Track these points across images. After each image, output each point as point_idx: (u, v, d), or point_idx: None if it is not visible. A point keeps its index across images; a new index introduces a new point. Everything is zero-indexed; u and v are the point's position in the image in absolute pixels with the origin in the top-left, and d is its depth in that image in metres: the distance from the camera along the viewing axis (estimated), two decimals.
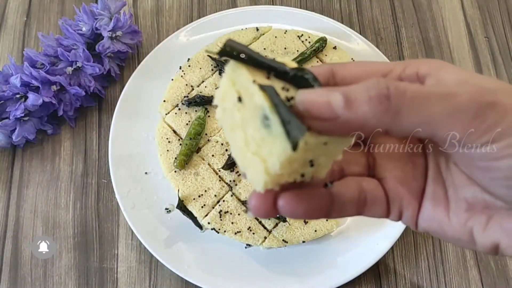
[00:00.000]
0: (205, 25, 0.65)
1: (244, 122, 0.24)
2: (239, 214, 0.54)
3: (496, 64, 0.68)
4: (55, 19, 0.70)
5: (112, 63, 0.63)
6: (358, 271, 0.53)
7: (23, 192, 0.59)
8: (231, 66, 0.24)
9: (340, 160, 0.25)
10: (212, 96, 0.59)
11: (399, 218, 0.28)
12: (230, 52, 0.24)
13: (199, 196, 0.55)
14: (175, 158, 0.56)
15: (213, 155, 0.57)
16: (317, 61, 0.62)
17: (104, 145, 0.62)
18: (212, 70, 0.61)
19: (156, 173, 0.58)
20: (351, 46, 0.64)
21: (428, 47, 0.69)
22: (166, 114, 0.59)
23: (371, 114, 0.22)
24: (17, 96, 0.58)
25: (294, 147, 0.21)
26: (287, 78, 0.24)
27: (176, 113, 0.59)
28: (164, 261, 0.53)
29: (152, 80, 0.62)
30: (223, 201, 0.55)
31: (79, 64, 0.60)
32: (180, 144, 0.57)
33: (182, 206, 0.54)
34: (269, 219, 0.54)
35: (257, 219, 0.54)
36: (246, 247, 0.54)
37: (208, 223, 0.53)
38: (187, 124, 0.58)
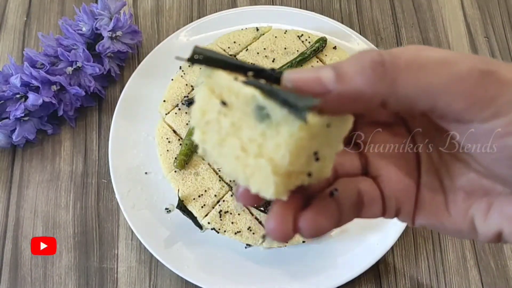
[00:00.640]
0: (205, 25, 0.65)
1: (235, 125, 0.22)
2: (239, 214, 0.54)
3: None
4: (55, 19, 0.70)
5: (112, 63, 0.63)
6: (358, 271, 0.52)
7: (23, 192, 0.59)
8: (205, 74, 0.23)
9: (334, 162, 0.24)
10: None
11: (395, 215, 0.27)
12: (202, 59, 0.22)
13: (199, 196, 0.55)
14: (175, 158, 0.56)
15: None
16: (317, 61, 0.62)
17: (104, 145, 0.62)
18: None
19: (156, 173, 0.58)
20: (351, 46, 0.64)
21: None
22: (166, 114, 0.59)
23: (365, 84, 0.21)
24: (17, 96, 0.58)
25: (305, 118, 0.20)
26: (266, 76, 0.23)
27: (176, 113, 0.59)
28: (164, 261, 0.53)
29: (152, 80, 0.62)
30: (223, 201, 0.55)
31: (79, 64, 0.60)
32: (180, 144, 0.57)
33: (182, 206, 0.54)
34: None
35: (257, 219, 0.54)
36: (246, 247, 0.54)
37: (208, 223, 0.53)
38: (187, 124, 0.58)
